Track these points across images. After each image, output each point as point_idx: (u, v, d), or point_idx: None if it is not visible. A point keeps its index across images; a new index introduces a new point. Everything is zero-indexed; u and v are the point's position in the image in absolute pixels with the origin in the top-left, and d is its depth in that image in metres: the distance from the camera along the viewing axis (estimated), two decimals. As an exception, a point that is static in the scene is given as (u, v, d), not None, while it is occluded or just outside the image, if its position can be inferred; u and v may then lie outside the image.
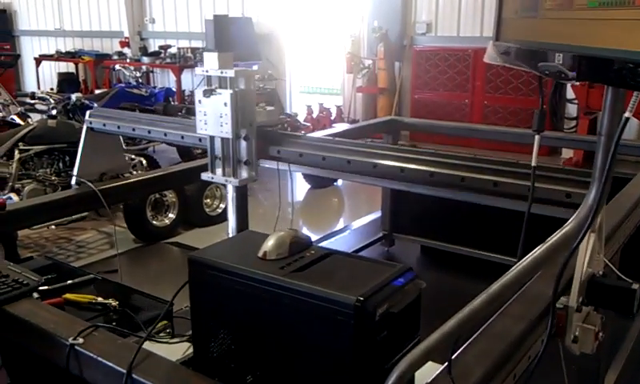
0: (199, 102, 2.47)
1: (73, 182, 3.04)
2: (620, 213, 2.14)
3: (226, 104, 2.39)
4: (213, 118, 2.44)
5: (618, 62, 1.03)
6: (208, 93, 2.44)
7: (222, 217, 5.78)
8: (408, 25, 10.01)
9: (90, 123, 3.22)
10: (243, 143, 2.50)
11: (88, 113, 3.27)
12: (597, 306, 1.59)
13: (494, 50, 1.52)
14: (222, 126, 2.42)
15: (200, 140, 2.82)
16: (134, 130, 3.07)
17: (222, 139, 2.51)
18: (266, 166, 2.79)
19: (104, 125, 3.18)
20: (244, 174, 2.55)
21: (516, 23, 1.45)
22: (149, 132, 3.03)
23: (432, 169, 2.12)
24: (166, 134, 2.98)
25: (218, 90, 2.42)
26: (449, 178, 2.08)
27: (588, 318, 1.56)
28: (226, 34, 10.55)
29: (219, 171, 2.60)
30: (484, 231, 4.34)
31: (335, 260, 1.55)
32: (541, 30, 1.32)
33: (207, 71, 2.45)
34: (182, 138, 2.89)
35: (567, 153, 8.11)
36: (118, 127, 3.11)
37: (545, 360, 1.53)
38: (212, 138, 2.55)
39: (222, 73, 2.42)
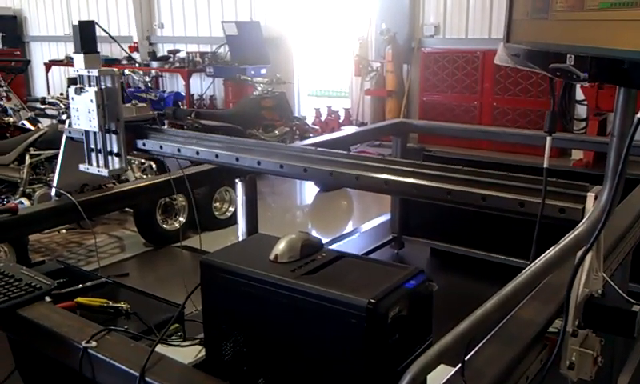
0: (72, 99, 2.72)
1: (52, 193, 3.01)
2: (629, 217, 2.13)
3: (92, 100, 2.63)
4: (84, 113, 2.68)
5: (630, 62, 1.03)
6: (78, 90, 2.69)
7: (232, 220, 5.80)
8: (416, 27, 10.01)
9: (70, 133, 3.10)
10: (113, 137, 2.71)
11: (67, 122, 3.20)
12: (595, 329, 1.52)
13: (504, 52, 1.52)
14: (90, 120, 2.66)
15: (179, 150, 2.90)
16: None
17: (94, 132, 2.74)
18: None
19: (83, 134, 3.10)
20: (116, 164, 2.76)
21: (527, 25, 1.45)
22: None
23: (449, 186, 2.00)
24: (144, 144, 2.94)
25: (87, 88, 2.66)
26: (468, 196, 1.96)
27: (586, 341, 1.49)
28: (237, 39, 10.61)
29: (94, 162, 2.82)
30: (494, 233, 4.32)
31: (346, 262, 1.55)
32: (552, 32, 1.31)
33: (77, 71, 2.70)
34: (161, 147, 2.90)
35: (577, 154, 8.07)
36: None
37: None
38: (87, 132, 2.79)
39: (88, 72, 2.66)
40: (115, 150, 2.72)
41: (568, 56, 1.17)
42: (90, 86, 2.68)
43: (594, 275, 1.55)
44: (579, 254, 1.42)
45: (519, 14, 1.47)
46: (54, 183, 3.12)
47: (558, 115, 8.42)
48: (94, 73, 2.65)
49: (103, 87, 2.65)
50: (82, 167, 2.87)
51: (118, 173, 2.82)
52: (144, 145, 2.85)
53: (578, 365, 1.48)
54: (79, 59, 2.68)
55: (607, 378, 2.54)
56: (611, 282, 1.65)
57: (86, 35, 2.69)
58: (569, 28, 1.24)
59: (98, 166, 2.81)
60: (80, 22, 2.72)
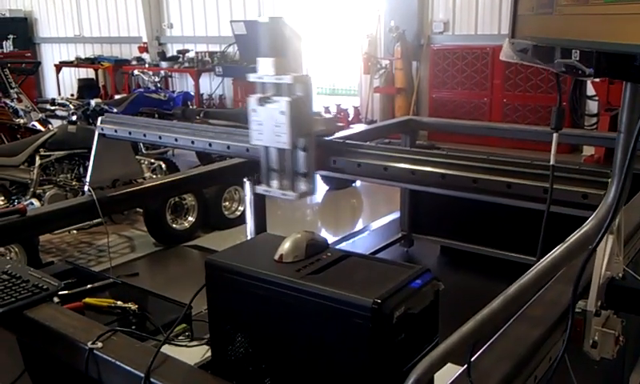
0: (254, 110, 2.26)
1: (85, 189, 3.05)
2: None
3: (282, 112, 2.18)
4: (268, 127, 2.23)
5: (636, 57, 1.01)
6: (263, 101, 2.23)
7: (241, 219, 5.80)
8: (425, 24, 9.97)
9: (102, 130, 3.21)
10: (301, 154, 2.28)
11: (100, 119, 3.28)
12: (616, 309, 1.56)
13: (509, 48, 1.51)
14: (278, 136, 2.21)
15: (210, 144, 2.84)
16: (145, 135, 3.06)
17: (278, 150, 2.30)
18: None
19: (115, 131, 3.17)
20: (302, 186, 2.32)
21: (532, 20, 1.43)
22: (159, 137, 3.01)
23: (443, 170, 2.09)
24: (176, 140, 2.98)
25: (274, 98, 2.22)
26: (461, 179, 2.05)
27: (608, 322, 1.53)
28: (245, 38, 10.62)
29: (275, 184, 2.38)
30: (504, 230, 4.30)
31: (352, 262, 1.54)
32: (557, 27, 1.30)
33: (262, 78, 2.25)
34: (193, 143, 2.89)
35: (588, 150, 8.01)
36: (130, 133, 3.11)
37: (567, 360, 1.51)
38: (266, 149, 2.34)
39: (278, 79, 2.21)
40: (303, 169, 2.30)
41: (573, 51, 1.16)
42: (278, 95, 2.23)
43: (615, 259, 1.57)
44: (597, 237, 1.42)
45: (524, 9, 1.46)
46: (87, 179, 3.21)
47: (565, 111, 8.39)
48: (287, 80, 2.20)
49: (294, 97, 2.21)
50: (260, 189, 2.45)
51: (307, 196, 2.38)
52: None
53: (601, 344, 1.51)
54: (267, 64, 2.23)
55: (619, 377, 2.52)
56: (629, 270, 1.66)
57: (275, 35, 2.27)
58: (574, 23, 1.22)
59: (281, 188, 2.36)
60: (270, 18, 2.31)
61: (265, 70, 2.24)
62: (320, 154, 2.37)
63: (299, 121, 2.20)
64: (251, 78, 2.28)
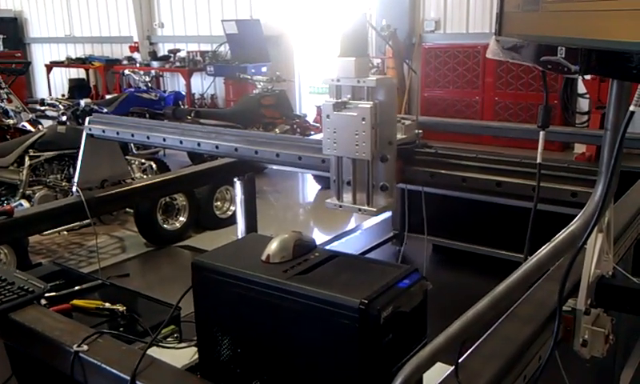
0: (327, 117, 2.00)
1: (73, 190, 3.04)
2: (631, 209, 2.10)
3: (364, 119, 1.93)
4: (345, 136, 1.98)
5: (621, 53, 1.01)
6: (339, 106, 1.96)
7: (233, 219, 5.78)
8: (416, 23, 9.97)
9: (90, 130, 3.20)
10: (381, 165, 2.03)
11: (87, 119, 3.26)
12: (606, 308, 1.56)
13: (496, 45, 1.50)
14: (357, 145, 1.96)
15: (199, 144, 2.81)
16: (133, 135, 3.05)
17: (355, 161, 2.04)
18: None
19: (103, 131, 3.17)
20: (380, 201, 2.05)
21: (518, 17, 1.43)
22: (148, 138, 3.00)
23: (432, 169, 2.07)
24: (165, 140, 2.96)
25: (352, 103, 1.97)
26: (450, 178, 2.03)
27: (598, 320, 1.53)
28: (237, 38, 10.59)
29: (348, 197, 2.11)
30: (497, 229, 4.30)
31: (340, 262, 1.53)
32: (542, 24, 1.29)
33: (338, 80, 1.99)
34: (181, 143, 2.88)
35: (580, 148, 8.03)
36: (117, 133, 3.11)
37: (559, 359, 1.50)
38: (338, 160, 2.08)
39: (358, 82, 1.96)
40: (381, 182, 2.04)
41: (559, 48, 1.15)
42: (356, 99, 1.98)
43: (605, 257, 1.57)
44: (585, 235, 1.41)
45: (510, 7, 1.45)
46: (75, 180, 3.19)
47: (558, 109, 8.41)
48: (369, 83, 1.94)
49: (376, 101, 1.96)
50: (331, 204, 2.14)
51: (387, 210, 2.12)
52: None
53: (591, 342, 1.52)
54: (347, 65, 1.98)
55: (610, 375, 2.52)
56: (619, 268, 1.66)
57: (359, 32, 2.01)
58: (559, 19, 1.22)
59: (354, 202, 2.08)
60: (350, 15, 2.05)
61: (344, 71, 1.98)
62: (398, 164, 2.17)
63: (382, 128, 1.97)
64: (324, 81, 2.05)
